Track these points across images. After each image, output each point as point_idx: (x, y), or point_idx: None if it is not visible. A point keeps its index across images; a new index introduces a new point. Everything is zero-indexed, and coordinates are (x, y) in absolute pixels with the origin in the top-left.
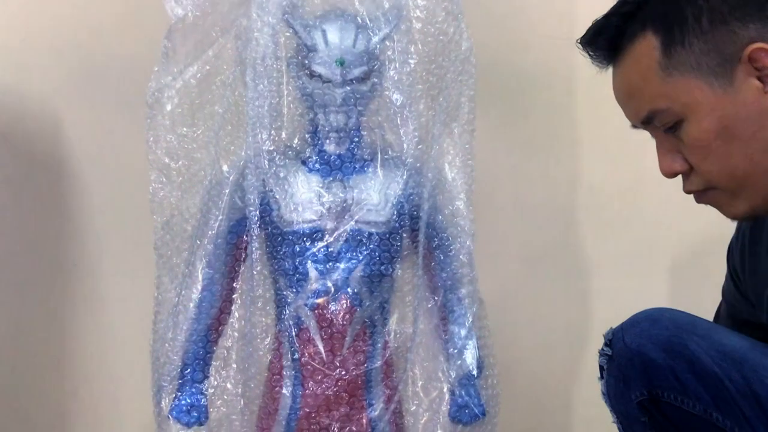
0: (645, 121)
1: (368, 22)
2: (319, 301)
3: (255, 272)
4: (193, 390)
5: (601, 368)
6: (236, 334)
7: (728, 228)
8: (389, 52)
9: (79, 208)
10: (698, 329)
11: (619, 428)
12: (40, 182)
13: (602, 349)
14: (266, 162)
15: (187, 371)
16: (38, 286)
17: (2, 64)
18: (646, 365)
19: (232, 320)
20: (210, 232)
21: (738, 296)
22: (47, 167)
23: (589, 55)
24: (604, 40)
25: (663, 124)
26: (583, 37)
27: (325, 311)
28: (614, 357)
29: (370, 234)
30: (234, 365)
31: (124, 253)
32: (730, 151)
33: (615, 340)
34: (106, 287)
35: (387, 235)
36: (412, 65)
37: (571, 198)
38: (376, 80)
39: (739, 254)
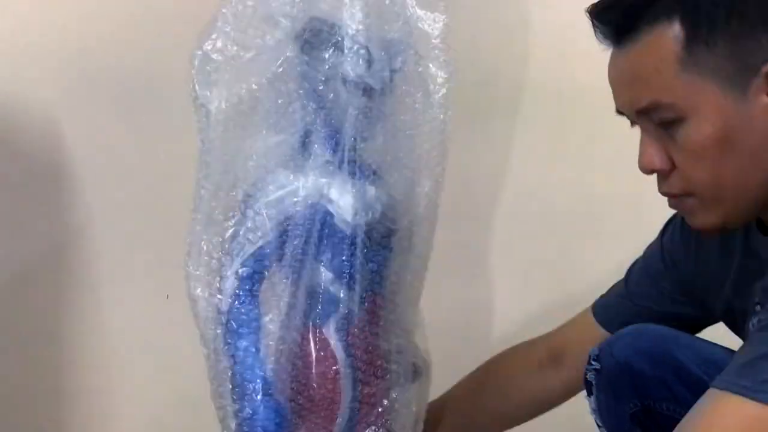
0: (641, 111)
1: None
2: None
3: None
4: None
5: (590, 384)
6: None
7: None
8: None
9: (77, 212)
10: (681, 340)
11: None
12: (39, 186)
13: (590, 365)
14: None
15: None
16: (36, 288)
17: (1, 69)
18: (635, 377)
19: None
20: None
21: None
22: (46, 171)
23: (596, 27)
24: (619, 15)
25: (660, 119)
26: (596, 5)
27: None
28: (603, 371)
29: None
30: None
31: (122, 258)
32: (723, 162)
33: (603, 354)
34: (104, 290)
35: None
36: None
37: (569, 207)
38: None
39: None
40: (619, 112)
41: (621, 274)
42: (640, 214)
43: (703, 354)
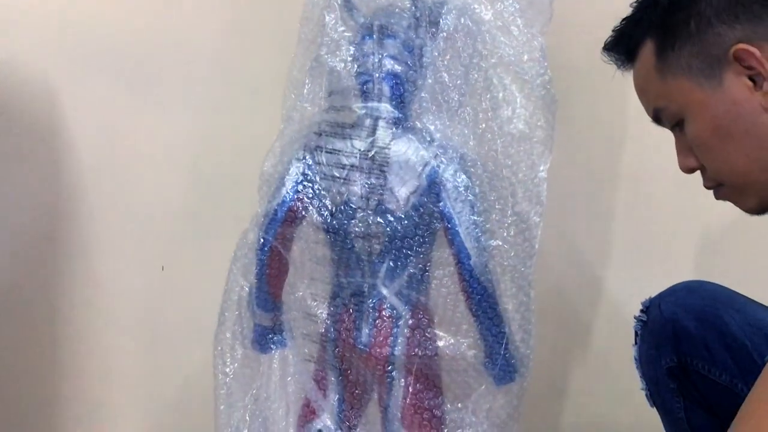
0: (654, 119)
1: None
2: None
3: None
4: None
5: (636, 334)
6: None
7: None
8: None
9: (73, 184)
10: (735, 302)
11: (647, 395)
12: (37, 160)
13: (638, 315)
14: None
15: None
16: (31, 264)
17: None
18: (677, 333)
19: None
20: None
21: None
22: (44, 145)
23: (612, 59)
24: (622, 46)
25: (668, 122)
26: (605, 44)
27: None
28: (649, 323)
29: None
30: None
31: (117, 229)
32: (727, 149)
33: (651, 307)
34: (99, 261)
35: None
36: None
37: (571, 187)
38: None
39: None
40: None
41: (620, 255)
42: (638, 193)
43: (753, 320)
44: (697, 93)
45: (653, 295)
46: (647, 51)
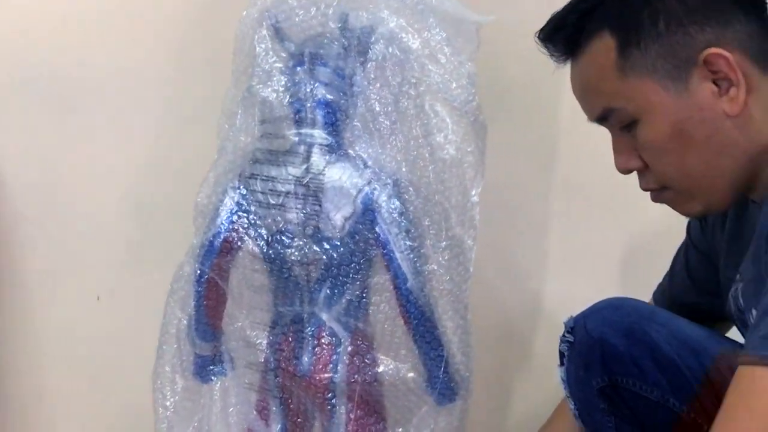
0: (600, 119)
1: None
2: None
3: None
4: None
5: (562, 355)
6: None
7: (677, 226)
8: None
9: (6, 213)
10: (658, 317)
11: (575, 415)
12: None
13: (564, 336)
14: None
15: None
16: None
17: None
18: (606, 352)
19: None
20: None
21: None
22: None
23: (548, 50)
24: (562, 37)
25: (618, 123)
26: (541, 32)
27: None
28: (576, 344)
29: None
30: None
31: (52, 259)
32: (684, 154)
33: (577, 327)
34: (34, 292)
35: None
36: None
37: (504, 203)
38: None
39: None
40: (591, 120)
41: (556, 268)
42: (570, 206)
43: (677, 333)
44: (660, 95)
45: (575, 314)
46: (603, 47)
